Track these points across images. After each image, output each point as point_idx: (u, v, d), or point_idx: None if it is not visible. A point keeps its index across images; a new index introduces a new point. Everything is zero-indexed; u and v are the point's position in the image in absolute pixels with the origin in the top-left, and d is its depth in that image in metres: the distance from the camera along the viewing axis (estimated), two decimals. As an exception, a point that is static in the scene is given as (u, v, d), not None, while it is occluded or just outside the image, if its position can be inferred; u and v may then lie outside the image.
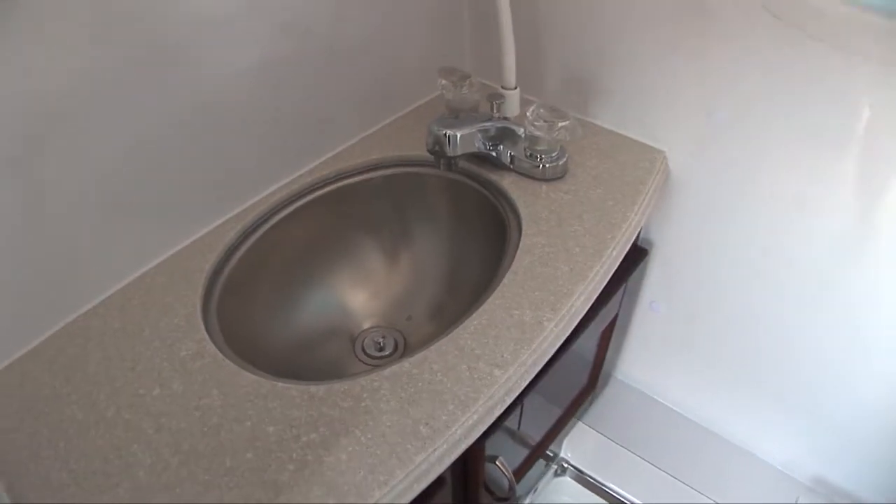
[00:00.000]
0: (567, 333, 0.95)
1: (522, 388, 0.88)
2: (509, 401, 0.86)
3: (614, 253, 1.04)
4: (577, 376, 1.47)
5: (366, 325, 1.20)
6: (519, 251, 1.02)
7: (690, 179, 1.27)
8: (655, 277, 1.49)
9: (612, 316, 1.37)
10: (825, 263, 1.19)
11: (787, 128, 1.07)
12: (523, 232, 1.06)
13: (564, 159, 1.15)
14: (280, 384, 0.84)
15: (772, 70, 1.03)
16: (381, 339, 1.17)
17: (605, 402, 1.72)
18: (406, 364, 0.86)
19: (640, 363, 1.71)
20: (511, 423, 1.05)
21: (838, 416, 1.38)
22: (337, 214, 1.21)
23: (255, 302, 1.07)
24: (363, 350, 1.16)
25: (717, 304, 1.42)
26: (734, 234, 1.29)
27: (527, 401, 1.04)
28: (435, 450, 0.76)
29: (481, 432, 0.83)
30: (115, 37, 0.82)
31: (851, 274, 1.17)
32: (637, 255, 1.38)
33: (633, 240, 1.27)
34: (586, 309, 0.99)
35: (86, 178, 0.87)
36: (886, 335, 1.19)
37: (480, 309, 0.93)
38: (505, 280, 0.97)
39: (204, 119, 0.98)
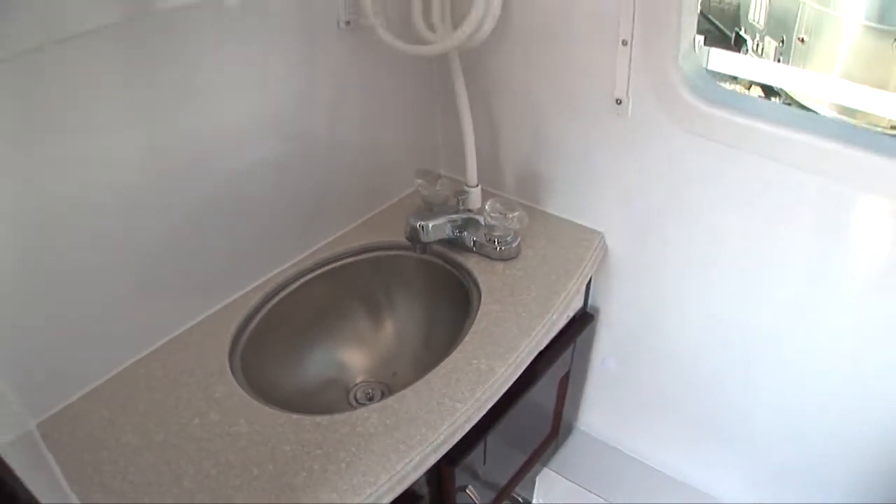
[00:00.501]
0: (514, 378, 1.23)
1: (479, 418, 1.15)
2: (468, 427, 1.13)
3: (555, 316, 1.33)
4: (540, 424, 1.73)
5: (358, 379, 1.47)
6: (479, 316, 1.31)
7: (628, 255, 1.58)
8: (605, 339, 1.77)
9: (565, 370, 1.65)
10: (754, 328, 1.48)
11: (714, 216, 1.39)
12: (482, 301, 1.35)
13: (517, 242, 1.46)
14: (293, 416, 1.12)
15: (692, 169, 1.36)
16: (370, 391, 1.44)
17: (570, 451, 1.97)
18: (390, 400, 1.14)
19: (598, 415, 1.97)
20: (477, 456, 1.31)
21: (780, 455, 1.63)
22: (336, 288, 1.50)
23: (271, 356, 1.35)
24: (356, 399, 1.43)
25: (661, 362, 1.70)
26: (670, 302, 1.58)
27: (490, 439, 1.31)
28: (411, 460, 1.04)
29: (447, 450, 1.10)
30: (161, 144, 1.13)
31: (768, 335, 1.47)
32: (585, 319, 1.67)
33: (578, 306, 1.57)
34: (531, 359, 1.27)
35: (137, 257, 1.16)
36: (822, 383, 1.45)
37: (447, 359, 1.21)
38: (467, 338, 1.26)
39: (231, 210, 1.28)
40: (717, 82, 1.33)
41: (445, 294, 1.49)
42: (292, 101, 1.34)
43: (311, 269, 1.47)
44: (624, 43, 1.29)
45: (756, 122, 1.22)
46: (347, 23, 1.37)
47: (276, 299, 1.40)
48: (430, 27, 1.41)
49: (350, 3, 1.35)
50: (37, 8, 0.87)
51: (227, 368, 1.22)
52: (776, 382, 1.53)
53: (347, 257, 1.52)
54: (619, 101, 1.36)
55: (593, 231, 1.56)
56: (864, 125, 1.34)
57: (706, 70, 1.37)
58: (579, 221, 1.58)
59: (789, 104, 6.93)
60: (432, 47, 1.37)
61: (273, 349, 1.36)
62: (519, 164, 1.63)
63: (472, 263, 1.45)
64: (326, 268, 1.49)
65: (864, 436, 1.46)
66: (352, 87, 1.45)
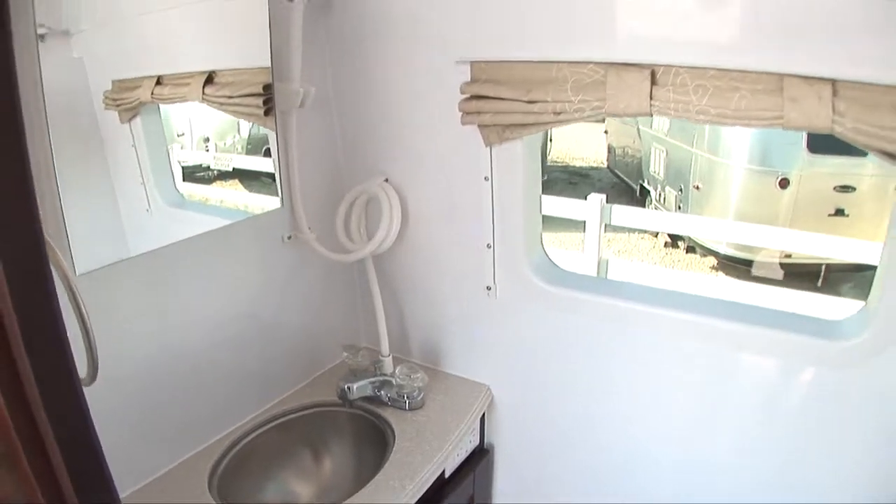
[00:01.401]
0: (420, 493, 1.81)
1: (395, 522, 1.73)
2: (387, 529, 1.71)
3: (450, 448, 1.94)
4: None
5: (305, 508, 2.04)
6: (394, 452, 1.91)
7: (512, 402, 2.22)
8: (502, 470, 2.36)
9: (469, 495, 2.22)
10: (635, 453, 2.05)
11: (581, 368, 2.03)
12: (396, 441, 1.95)
13: (422, 396, 2.08)
14: (262, 528, 1.68)
15: (549, 334, 2.03)
16: (313, 516, 2.00)
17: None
18: (330, 513, 1.71)
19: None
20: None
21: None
22: (286, 436, 2.08)
23: (240, 486, 1.90)
24: (302, 522, 1.99)
25: (556, 487, 2.27)
26: (554, 438, 2.18)
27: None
28: (346, 551, 1.61)
29: (372, 545, 1.67)
30: (155, 332, 1.74)
31: (650, 459, 2.06)
32: (482, 454, 2.27)
33: (475, 442, 2.18)
34: (433, 479, 1.87)
35: (138, 411, 1.73)
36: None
37: (371, 482, 1.80)
38: (385, 467, 1.85)
39: (205, 377, 1.88)
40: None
41: (369, 438, 2.08)
42: (251, 295, 2.00)
43: (267, 422, 2.06)
44: (488, 246, 2.00)
45: (589, 296, 1.92)
46: (289, 237, 2.06)
47: (241, 444, 1.97)
48: (350, 239, 2.10)
49: (291, 223, 2.03)
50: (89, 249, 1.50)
51: (208, 494, 1.77)
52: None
53: (294, 412, 2.12)
54: (489, 288, 2.04)
55: (480, 384, 2.21)
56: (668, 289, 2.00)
57: (549, 259, 2.06)
58: (469, 377, 2.24)
59: (693, 247, 7.88)
60: (352, 255, 2.06)
61: (241, 481, 1.92)
62: (420, 337, 2.30)
63: (389, 414, 2.07)
64: (278, 421, 2.08)
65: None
66: (294, 283, 2.12)
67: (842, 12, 1.36)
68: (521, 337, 2.09)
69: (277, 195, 2.02)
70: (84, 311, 1.17)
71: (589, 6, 1.60)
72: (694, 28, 1.52)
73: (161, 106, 1.71)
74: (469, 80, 1.80)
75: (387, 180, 2.11)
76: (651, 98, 1.56)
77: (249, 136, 2.16)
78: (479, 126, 1.83)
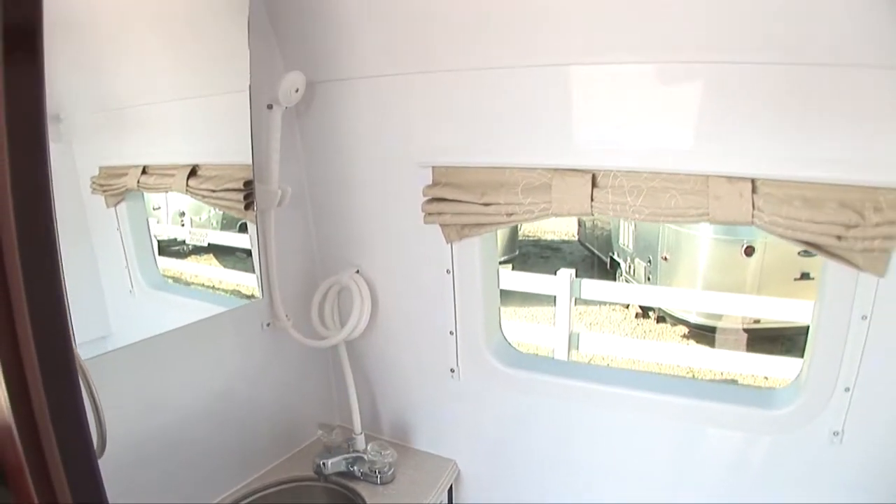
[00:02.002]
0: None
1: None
2: None
3: (418, 520, 2.10)
4: None
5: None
6: (366, 524, 2.08)
7: (479, 475, 2.39)
8: (470, 541, 2.53)
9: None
10: None
11: (539, 442, 2.22)
12: (369, 513, 2.12)
13: (392, 471, 2.25)
14: None
15: (509, 412, 2.22)
16: (291, 588, 2.15)
17: None
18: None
19: None
20: None
21: None
22: (266, 509, 2.24)
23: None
24: None
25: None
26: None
27: None
28: None
29: None
30: (145, 411, 1.90)
31: None
32: (452, 525, 2.44)
33: (443, 514, 2.35)
34: (398, 550, 2.03)
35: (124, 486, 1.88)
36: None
37: (345, 553, 1.96)
38: (358, 537, 2.01)
39: (188, 455, 2.03)
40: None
41: (340, 510, 2.25)
42: (233, 377, 2.18)
43: (247, 496, 2.21)
44: (451, 333, 2.20)
45: (544, 376, 2.12)
46: (268, 324, 2.24)
47: (226, 517, 2.13)
48: (325, 326, 2.29)
49: (269, 311, 2.22)
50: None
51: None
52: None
53: (272, 487, 2.27)
54: (452, 370, 2.24)
55: (448, 460, 2.39)
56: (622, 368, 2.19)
57: (508, 343, 2.26)
58: (437, 453, 2.42)
59: (663, 317, 8.10)
60: (326, 341, 2.25)
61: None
62: (391, 416, 2.49)
63: (361, 488, 2.23)
64: (258, 495, 2.24)
65: None
66: (272, 366, 2.31)
67: (756, 119, 1.60)
68: (484, 414, 2.28)
69: (252, 271, 2.18)
70: (96, 394, 1.34)
71: (536, 119, 1.84)
72: (629, 137, 1.76)
73: (144, 191, 1.82)
74: (430, 182, 2.03)
75: (358, 272, 2.33)
76: (592, 200, 1.78)
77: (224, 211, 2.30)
78: (440, 225, 2.05)
